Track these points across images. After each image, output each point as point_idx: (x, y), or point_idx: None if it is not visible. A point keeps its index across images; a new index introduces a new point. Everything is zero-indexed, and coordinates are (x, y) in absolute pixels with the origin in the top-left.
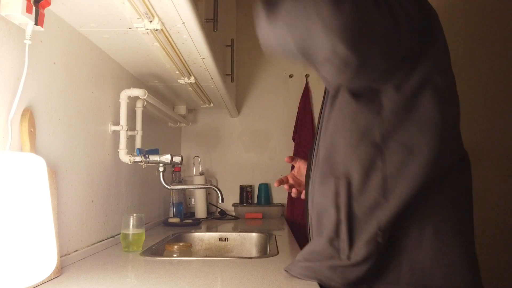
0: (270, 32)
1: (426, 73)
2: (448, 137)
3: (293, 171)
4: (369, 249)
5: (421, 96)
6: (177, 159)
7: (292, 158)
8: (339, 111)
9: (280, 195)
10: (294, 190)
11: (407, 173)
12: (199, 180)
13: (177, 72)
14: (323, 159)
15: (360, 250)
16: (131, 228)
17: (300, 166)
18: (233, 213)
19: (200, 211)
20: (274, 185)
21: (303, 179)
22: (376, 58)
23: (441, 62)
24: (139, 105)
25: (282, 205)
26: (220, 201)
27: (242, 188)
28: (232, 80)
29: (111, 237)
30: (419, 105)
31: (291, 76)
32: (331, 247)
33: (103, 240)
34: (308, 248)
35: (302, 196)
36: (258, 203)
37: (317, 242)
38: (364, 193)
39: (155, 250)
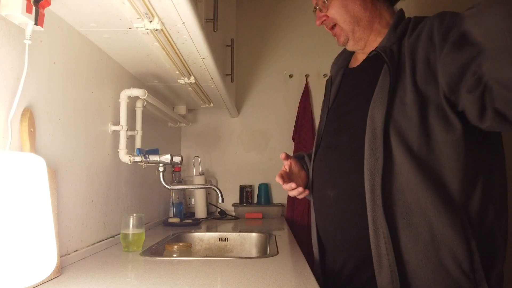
0: None
1: None
2: None
3: (283, 169)
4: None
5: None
6: (177, 159)
7: (287, 156)
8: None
9: (280, 195)
10: (295, 191)
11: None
12: (199, 180)
13: (177, 72)
14: (428, 190)
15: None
16: (131, 228)
17: (292, 163)
18: (233, 213)
19: (200, 211)
20: (276, 180)
21: (293, 177)
22: None
23: None
24: (139, 105)
25: (282, 205)
26: (220, 201)
27: (242, 188)
28: (232, 80)
29: (111, 237)
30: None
31: (291, 76)
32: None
33: (103, 240)
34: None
35: (300, 196)
36: (258, 203)
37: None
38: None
39: (155, 250)
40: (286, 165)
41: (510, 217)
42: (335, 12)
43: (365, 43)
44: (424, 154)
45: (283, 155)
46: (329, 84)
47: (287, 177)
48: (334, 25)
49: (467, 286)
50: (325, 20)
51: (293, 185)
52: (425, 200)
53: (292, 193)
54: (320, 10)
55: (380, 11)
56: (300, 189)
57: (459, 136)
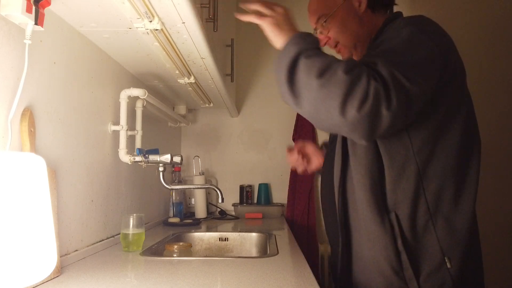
0: (294, 104)
1: (450, 102)
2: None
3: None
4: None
5: (448, 125)
6: (177, 159)
7: (290, 148)
8: (370, 149)
9: (280, 195)
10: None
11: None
12: (199, 180)
13: (177, 72)
14: (365, 191)
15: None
16: (131, 228)
17: (304, 145)
18: (233, 213)
19: (200, 211)
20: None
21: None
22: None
23: (459, 87)
24: (139, 105)
25: (282, 205)
26: (220, 201)
27: (242, 188)
28: (232, 80)
29: (111, 237)
30: (447, 134)
31: None
32: (398, 278)
33: (103, 240)
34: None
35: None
36: (258, 203)
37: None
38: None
39: (155, 250)
40: (299, 146)
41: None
42: (336, 33)
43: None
44: (363, 157)
45: (289, 150)
46: None
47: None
48: (337, 43)
49: (397, 284)
50: (328, 41)
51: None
52: (361, 201)
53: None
54: (321, 33)
55: (375, 22)
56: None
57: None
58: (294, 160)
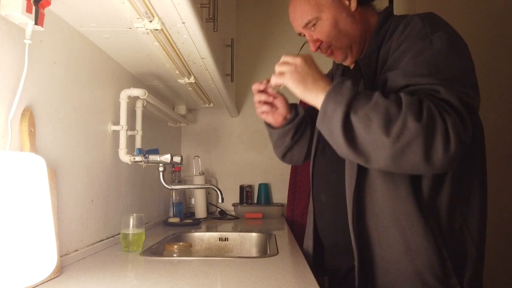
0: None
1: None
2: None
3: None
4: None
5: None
6: (177, 159)
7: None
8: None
9: (280, 195)
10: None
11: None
12: (199, 180)
13: (177, 72)
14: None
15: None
16: (131, 228)
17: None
18: (233, 213)
19: (200, 211)
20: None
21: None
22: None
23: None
24: (139, 105)
25: (282, 205)
26: (220, 201)
27: (242, 188)
28: (232, 80)
29: (111, 237)
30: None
31: None
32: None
33: (103, 240)
34: None
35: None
36: (258, 203)
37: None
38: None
39: (155, 250)
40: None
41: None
42: (328, 36)
43: (368, 46)
44: None
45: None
46: (329, 76)
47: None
48: (330, 46)
49: None
50: (319, 45)
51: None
52: (398, 210)
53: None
54: (310, 37)
55: (368, 19)
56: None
57: None
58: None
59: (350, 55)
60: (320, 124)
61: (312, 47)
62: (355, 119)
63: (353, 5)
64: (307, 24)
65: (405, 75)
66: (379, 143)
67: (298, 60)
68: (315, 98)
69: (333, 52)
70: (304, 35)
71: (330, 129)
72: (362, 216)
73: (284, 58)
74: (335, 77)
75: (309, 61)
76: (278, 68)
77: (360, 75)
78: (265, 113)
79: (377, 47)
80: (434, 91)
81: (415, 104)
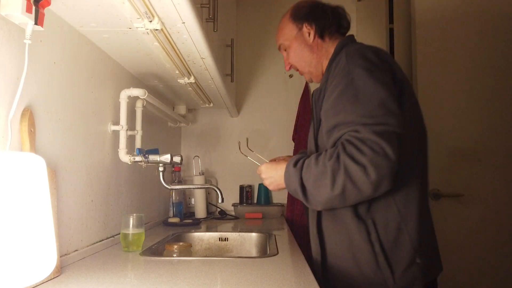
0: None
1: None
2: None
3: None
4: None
5: (405, 137)
6: (177, 159)
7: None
8: None
9: (280, 195)
10: None
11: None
12: (198, 180)
13: (177, 72)
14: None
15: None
16: (131, 228)
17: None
18: (233, 213)
19: (200, 211)
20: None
21: None
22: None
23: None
24: (139, 105)
25: (282, 205)
26: (220, 201)
27: (242, 188)
28: (232, 80)
29: (111, 237)
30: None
31: (291, 76)
32: (376, 277)
33: (102, 240)
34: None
35: None
36: (258, 203)
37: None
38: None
39: (155, 250)
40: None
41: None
42: (293, 61)
43: (323, 77)
44: None
45: None
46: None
47: None
48: (297, 69)
49: (377, 282)
50: (291, 66)
51: None
52: (339, 213)
53: None
54: (286, 58)
55: (326, 48)
56: None
57: None
58: None
59: (313, 78)
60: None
61: (286, 67)
62: (308, 189)
63: (311, 38)
64: (280, 46)
65: (334, 115)
66: (326, 198)
67: (267, 180)
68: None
69: (301, 73)
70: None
71: (297, 197)
72: (319, 219)
73: (259, 173)
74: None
75: (270, 168)
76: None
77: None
78: None
79: (324, 81)
80: (355, 131)
81: (335, 163)
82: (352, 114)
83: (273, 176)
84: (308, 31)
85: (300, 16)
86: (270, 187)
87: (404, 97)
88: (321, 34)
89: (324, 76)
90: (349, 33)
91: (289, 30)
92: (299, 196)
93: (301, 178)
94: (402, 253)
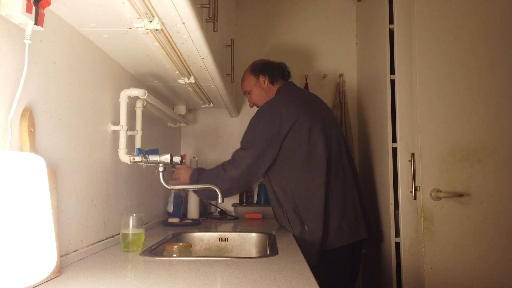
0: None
1: (292, 144)
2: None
3: None
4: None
5: (292, 157)
6: (177, 159)
7: None
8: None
9: None
10: None
11: None
12: None
13: (177, 72)
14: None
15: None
16: (131, 228)
17: None
18: (233, 213)
19: (193, 212)
20: None
21: None
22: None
23: (296, 134)
24: (139, 105)
25: None
26: (220, 201)
27: None
28: (232, 80)
29: (111, 237)
30: (291, 162)
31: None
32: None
33: (102, 240)
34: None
35: None
36: (258, 203)
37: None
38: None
39: (155, 250)
40: None
41: None
42: (254, 100)
43: None
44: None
45: None
46: None
47: None
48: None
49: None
50: (253, 103)
51: None
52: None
53: None
54: (249, 99)
55: (272, 90)
56: None
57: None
58: None
59: None
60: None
61: (249, 104)
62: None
63: (266, 84)
64: (245, 92)
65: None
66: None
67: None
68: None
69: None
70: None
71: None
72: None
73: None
74: None
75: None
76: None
77: None
78: None
79: None
80: (239, 149)
81: (227, 164)
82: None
83: (182, 174)
84: (264, 80)
85: (257, 70)
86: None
87: (292, 134)
88: (271, 81)
89: None
90: (348, 33)
91: (250, 79)
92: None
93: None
94: (296, 224)
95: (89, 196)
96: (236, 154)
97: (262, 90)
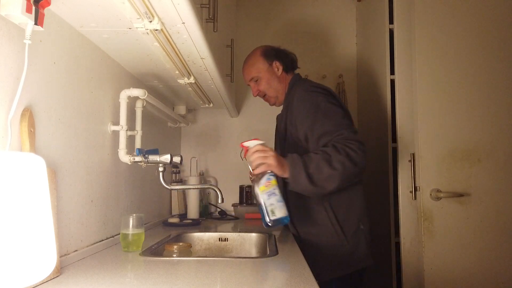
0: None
1: None
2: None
3: None
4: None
5: None
6: (177, 159)
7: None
8: None
9: None
10: None
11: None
12: (194, 181)
13: (177, 72)
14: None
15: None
16: (131, 228)
17: None
18: (233, 213)
19: (192, 212)
20: None
21: None
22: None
23: None
24: (139, 105)
25: None
26: (220, 201)
27: (242, 188)
28: (232, 80)
29: (111, 237)
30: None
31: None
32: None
33: (102, 240)
34: None
35: None
36: None
37: None
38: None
39: (155, 250)
40: None
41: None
42: (264, 88)
43: (284, 102)
44: None
45: None
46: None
47: None
48: (265, 95)
49: (337, 245)
50: (258, 92)
51: None
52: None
53: None
54: (254, 87)
55: (286, 80)
56: None
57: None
58: None
59: (277, 102)
60: (292, 186)
61: (253, 93)
62: (311, 171)
63: (279, 72)
64: (252, 79)
65: (318, 128)
66: (330, 177)
67: (270, 152)
68: (285, 173)
69: (266, 99)
70: (249, 84)
71: (299, 183)
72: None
73: (255, 148)
74: (277, 120)
75: (267, 148)
76: (254, 159)
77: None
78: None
79: (286, 106)
80: (340, 134)
81: (334, 148)
82: (329, 125)
83: (276, 157)
84: (277, 67)
85: (271, 55)
86: (271, 165)
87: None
88: (285, 69)
89: (284, 102)
90: (348, 33)
91: (261, 64)
92: (299, 179)
93: (306, 165)
94: (351, 222)
95: (89, 196)
96: (345, 141)
97: (275, 77)
